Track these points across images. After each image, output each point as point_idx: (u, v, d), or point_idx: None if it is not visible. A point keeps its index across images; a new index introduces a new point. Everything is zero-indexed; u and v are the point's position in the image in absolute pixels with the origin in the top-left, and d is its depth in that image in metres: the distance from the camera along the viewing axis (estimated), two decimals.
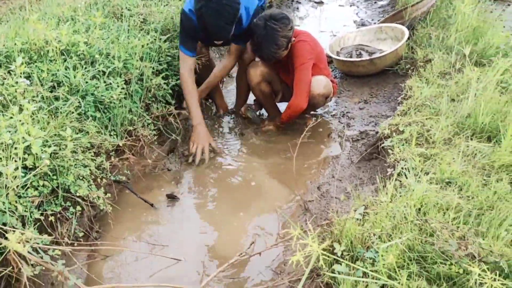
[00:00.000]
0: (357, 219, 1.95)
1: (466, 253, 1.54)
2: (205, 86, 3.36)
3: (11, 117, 2.05)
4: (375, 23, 5.40)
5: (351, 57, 4.14)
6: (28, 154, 2.01)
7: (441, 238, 1.64)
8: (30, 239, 1.69)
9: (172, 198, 2.63)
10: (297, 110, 3.15)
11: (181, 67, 3.09)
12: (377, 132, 3.00)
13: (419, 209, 1.94)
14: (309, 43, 3.17)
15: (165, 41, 3.31)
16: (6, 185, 1.84)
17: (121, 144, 2.62)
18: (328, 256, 1.65)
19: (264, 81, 3.33)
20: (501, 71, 2.81)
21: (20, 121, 1.99)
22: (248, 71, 3.31)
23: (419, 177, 2.16)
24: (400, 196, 2.03)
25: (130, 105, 2.77)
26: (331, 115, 3.59)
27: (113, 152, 2.59)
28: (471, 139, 2.48)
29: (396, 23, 4.36)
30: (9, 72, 2.44)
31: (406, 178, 2.18)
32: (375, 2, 6.39)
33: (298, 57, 3.10)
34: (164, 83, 3.02)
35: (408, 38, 3.98)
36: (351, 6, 6.43)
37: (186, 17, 2.98)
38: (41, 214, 2.02)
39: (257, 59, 3.35)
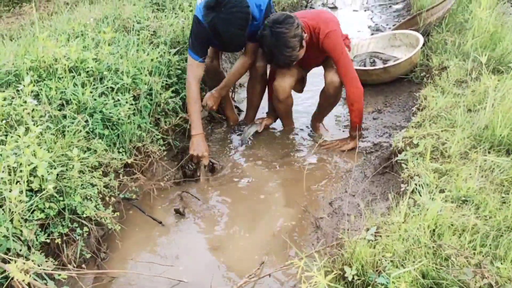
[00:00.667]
0: (369, 240, 1.88)
1: (483, 283, 1.46)
2: (223, 84, 3.24)
3: (17, 140, 2.03)
4: (390, 28, 5.31)
5: (364, 64, 4.07)
6: (34, 176, 1.99)
7: (456, 264, 1.57)
8: (34, 266, 1.67)
9: (179, 213, 2.59)
10: (361, 98, 3.07)
11: (188, 73, 3.01)
12: (391, 145, 2.92)
13: (434, 230, 1.86)
14: (336, 29, 3.00)
15: (174, 54, 3.29)
16: (10, 210, 1.83)
17: (129, 162, 2.60)
18: (336, 287, 1.59)
19: (291, 95, 3.27)
20: None
21: (25, 142, 1.98)
22: (275, 86, 3.19)
23: (434, 195, 2.08)
24: (414, 215, 1.96)
25: (139, 121, 2.75)
26: (344, 126, 3.51)
27: (122, 170, 2.56)
28: (489, 153, 2.39)
29: (411, 29, 4.27)
30: (17, 91, 2.44)
31: (420, 195, 2.10)
32: (390, 6, 6.30)
33: (335, 49, 2.98)
34: (171, 97, 2.99)
35: (423, 45, 3.89)
36: (365, 10, 6.35)
37: (199, 23, 2.90)
38: (48, 236, 2.00)
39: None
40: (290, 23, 2.80)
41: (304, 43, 2.91)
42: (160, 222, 2.54)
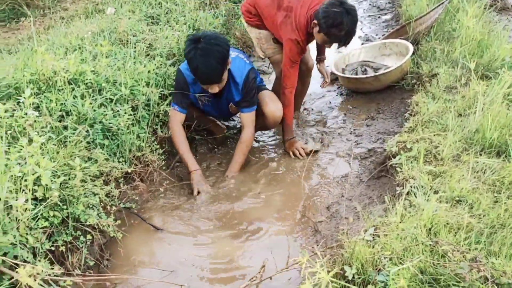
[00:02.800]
0: (368, 240, 1.93)
1: (479, 276, 1.52)
2: (238, 166, 3.12)
3: (21, 150, 2.07)
4: (379, 38, 5.42)
5: (356, 74, 4.15)
6: (38, 186, 2.03)
7: (452, 260, 1.62)
8: (41, 272, 1.70)
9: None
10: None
11: (170, 121, 3.02)
12: (385, 150, 2.98)
13: (430, 229, 1.92)
14: None
15: (170, 65, 3.35)
16: (16, 218, 1.86)
17: (129, 171, 2.64)
18: (338, 283, 1.64)
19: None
20: (507, 84, 2.80)
21: (29, 152, 2.01)
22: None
23: (429, 196, 2.14)
24: (410, 216, 2.02)
25: (137, 131, 2.80)
26: (338, 133, 3.58)
27: (122, 179, 2.60)
28: (480, 155, 2.47)
29: (400, 38, 4.37)
30: (18, 103, 2.48)
31: (415, 197, 2.17)
32: (379, 17, 6.41)
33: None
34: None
35: (413, 53, 3.98)
36: None
37: (179, 72, 3.00)
38: (52, 244, 2.03)
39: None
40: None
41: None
42: (161, 229, 2.58)
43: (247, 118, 3.13)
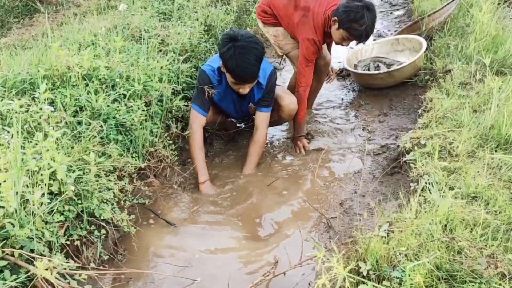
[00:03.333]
0: (382, 236, 1.92)
1: (496, 272, 1.50)
2: (253, 166, 3.13)
3: (36, 144, 2.09)
4: (391, 33, 5.38)
5: (368, 69, 4.13)
6: (54, 180, 2.04)
7: (469, 256, 1.61)
8: (57, 266, 1.72)
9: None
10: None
11: (191, 122, 2.99)
12: (398, 146, 2.97)
13: (445, 225, 1.90)
14: None
15: (183, 61, 3.35)
16: (33, 212, 1.87)
17: (143, 166, 2.65)
18: (354, 278, 1.63)
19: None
20: None
21: (45, 147, 2.03)
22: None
23: (444, 192, 2.12)
24: (425, 212, 2.00)
25: (151, 127, 2.81)
26: (350, 129, 3.57)
27: (136, 174, 2.61)
28: (496, 151, 2.44)
29: (413, 34, 4.34)
30: (33, 98, 2.50)
31: (430, 193, 2.15)
32: (391, 13, 6.37)
33: None
34: (184, 105, 3.04)
35: (426, 49, 3.95)
36: None
37: (203, 73, 2.96)
38: (67, 239, 2.05)
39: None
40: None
41: None
42: (174, 224, 2.59)
43: (263, 117, 3.12)
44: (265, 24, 3.54)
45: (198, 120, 2.98)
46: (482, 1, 4.19)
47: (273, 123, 3.37)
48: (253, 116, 3.18)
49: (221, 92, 3.02)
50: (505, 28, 3.89)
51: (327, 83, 4.01)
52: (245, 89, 2.85)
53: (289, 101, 3.20)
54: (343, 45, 3.22)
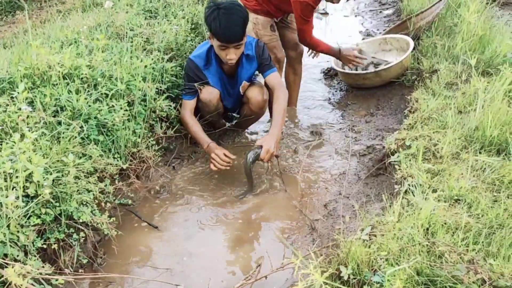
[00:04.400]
0: (364, 240, 1.90)
1: (476, 278, 1.49)
2: (279, 127, 2.87)
3: (13, 146, 2.04)
4: (380, 33, 5.37)
5: (356, 69, 4.11)
6: (30, 182, 2.00)
7: (449, 261, 1.59)
8: (31, 271, 1.67)
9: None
10: None
11: (182, 110, 3.05)
12: (384, 147, 2.95)
13: (427, 229, 1.89)
14: None
15: (168, 60, 3.31)
16: (7, 216, 1.83)
17: (125, 167, 2.61)
18: (332, 285, 1.61)
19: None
20: (508, 81, 2.75)
21: (21, 149, 1.98)
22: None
23: (427, 194, 2.11)
24: (407, 215, 1.99)
25: (133, 127, 2.76)
26: (337, 129, 3.55)
27: (117, 175, 2.57)
28: (480, 153, 2.43)
29: (401, 33, 4.32)
30: (11, 98, 2.45)
31: (413, 195, 2.13)
32: (380, 12, 6.36)
33: None
34: (168, 105, 3.00)
35: (414, 49, 3.94)
36: (356, 16, 6.41)
37: (189, 61, 3.01)
38: (44, 242, 2.01)
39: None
40: None
41: None
42: (156, 227, 2.55)
43: (273, 78, 3.10)
44: (247, 8, 3.49)
45: (187, 106, 3.03)
46: (470, 0, 4.19)
47: (248, 121, 3.39)
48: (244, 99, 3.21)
49: (211, 73, 3.02)
50: (492, 28, 3.89)
51: (313, 57, 4.03)
52: (231, 55, 2.83)
53: (256, 93, 3.15)
54: (334, 2, 3.35)
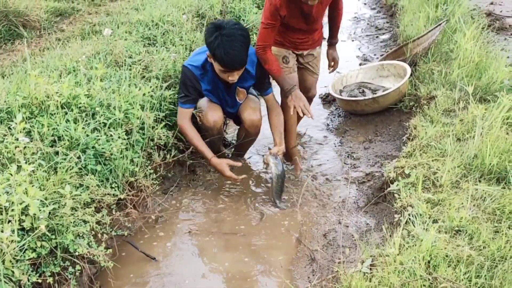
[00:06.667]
0: (365, 273, 1.88)
1: None
2: (282, 137, 3.14)
3: (9, 178, 2.02)
4: (377, 57, 5.42)
5: (354, 95, 4.12)
6: (26, 215, 1.97)
7: None
8: None
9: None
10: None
11: (179, 119, 3.07)
12: (383, 174, 2.94)
13: (429, 261, 1.86)
14: None
15: (166, 88, 3.31)
16: (2, 250, 1.80)
17: (122, 197, 2.58)
18: None
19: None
20: (506, 108, 2.76)
21: (17, 181, 1.96)
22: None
23: (427, 225, 2.09)
24: (408, 247, 1.96)
25: (131, 156, 2.75)
26: (335, 156, 3.54)
27: (115, 205, 2.55)
28: (480, 181, 2.42)
29: (398, 59, 4.36)
30: (9, 128, 2.44)
31: (414, 226, 2.11)
32: (377, 37, 6.43)
33: None
34: (165, 134, 2.99)
35: (411, 75, 3.96)
36: (353, 41, 6.47)
37: (185, 68, 3.02)
38: (39, 276, 1.97)
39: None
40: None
41: None
42: (154, 258, 2.51)
43: (270, 99, 3.23)
44: None
45: (184, 114, 3.05)
46: (466, 26, 4.24)
47: (244, 146, 3.41)
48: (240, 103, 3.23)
49: (207, 82, 3.05)
50: (488, 54, 3.92)
51: (329, 71, 3.73)
52: (233, 77, 2.87)
53: (250, 113, 3.17)
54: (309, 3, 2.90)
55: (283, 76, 3.11)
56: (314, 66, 3.48)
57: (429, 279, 1.70)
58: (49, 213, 2.08)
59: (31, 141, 2.39)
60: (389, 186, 2.61)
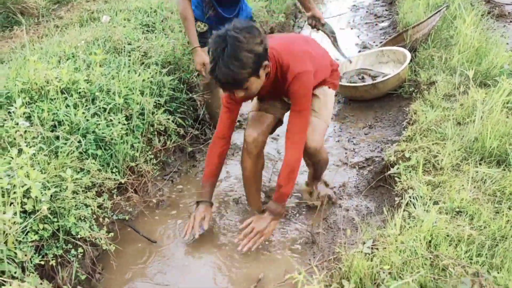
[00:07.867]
0: (366, 253, 1.88)
1: None
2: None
3: (10, 161, 2.02)
4: (376, 45, 5.40)
5: (354, 82, 4.12)
6: (28, 198, 1.98)
7: (454, 275, 1.57)
8: None
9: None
10: (299, 166, 2.38)
11: (178, 4, 3.07)
12: (383, 159, 2.94)
13: (430, 241, 1.87)
14: (310, 69, 2.27)
15: (166, 74, 3.30)
16: (4, 232, 1.80)
17: (123, 182, 2.58)
18: None
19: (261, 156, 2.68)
20: (506, 92, 2.76)
21: (18, 164, 1.96)
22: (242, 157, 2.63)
23: (428, 207, 2.09)
24: (409, 227, 1.97)
25: (131, 141, 2.75)
26: (336, 141, 3.54)
27: (116, 190, 2.55)
28: (480, 164, 2.42)
29: (398, 45, 4.35)
30: (9, 113, 2.43)
31: (415, 208, 2.12)
32: (376, 24, 6.40)
33: (302, 96, 2.29)
34: (166, 118, 2.99)
35: (411, 61, 3.95)
36: (352, 29, 6.44)
37: None
38: (42, 258, 1.98)
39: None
40: (252, 34, 2.03)
41: (262, 73, 2.14)
42: (155, 241, 2.52)
43: None
44: None
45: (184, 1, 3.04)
46: (466, 13, 4.23)
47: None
48: None
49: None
50: (488, 40, 3.92)
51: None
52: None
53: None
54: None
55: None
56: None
57: (430, 257, 1.71)
58: (51, 196, 2.08)
59: (31, 126, 2.39)
60: (390, 170, 2.62)
